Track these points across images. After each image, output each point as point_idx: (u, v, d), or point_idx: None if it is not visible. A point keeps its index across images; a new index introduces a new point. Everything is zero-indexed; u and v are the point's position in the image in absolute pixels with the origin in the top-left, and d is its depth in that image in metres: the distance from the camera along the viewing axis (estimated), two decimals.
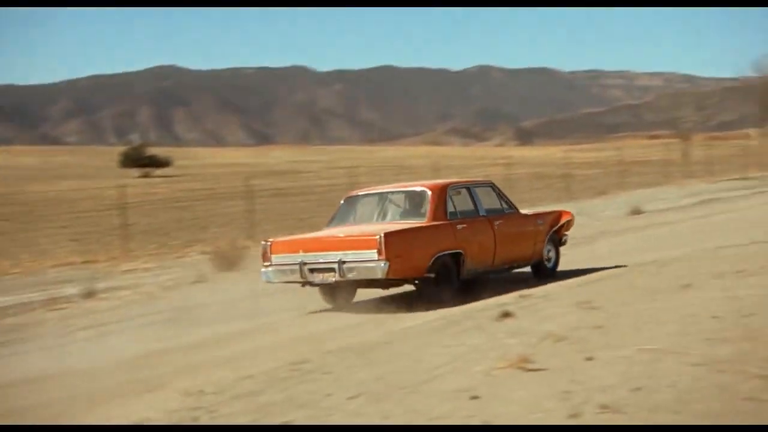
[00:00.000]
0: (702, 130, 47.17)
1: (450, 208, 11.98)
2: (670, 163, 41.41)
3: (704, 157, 43.03)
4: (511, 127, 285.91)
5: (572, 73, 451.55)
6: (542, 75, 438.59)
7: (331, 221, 12.99)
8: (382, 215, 12.55)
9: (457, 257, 11.65)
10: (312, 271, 11.31)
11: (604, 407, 4.64)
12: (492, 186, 13.49)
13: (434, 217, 11.72)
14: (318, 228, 13.77)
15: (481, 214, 12.49)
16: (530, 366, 5.85)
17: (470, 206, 12.44)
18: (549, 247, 13.67)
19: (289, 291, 12.50)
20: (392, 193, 13.08)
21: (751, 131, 50.39)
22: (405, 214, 12.34)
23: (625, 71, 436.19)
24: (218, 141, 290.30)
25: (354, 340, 8.64)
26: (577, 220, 20.57)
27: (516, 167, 39.23)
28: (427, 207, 11.86)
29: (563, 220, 14.18)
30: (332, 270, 11.03)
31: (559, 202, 29.48)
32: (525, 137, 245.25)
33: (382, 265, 10.62)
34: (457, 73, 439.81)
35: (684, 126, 41.11)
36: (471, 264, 11.88)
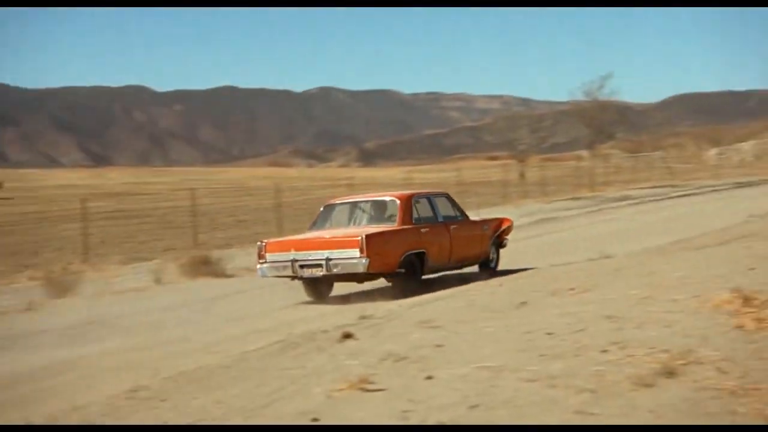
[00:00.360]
0: (537, 151, 48.93)
1: (414, 215, 14.19)
2: (508, 184, 42.64)
3: (540, 177, 44.56)
4: (354, 148, 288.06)
5: (413, 95, 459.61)
6: (384, 97, 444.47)
7: (313, 225, 15.07)
8: (358, 220, 14.70)
9: (421, 256, 13.78)
10: (302, 267, 13.19)
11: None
12: (447, 196, 15.86)
13: (402, 222, 13.89)
14: (160, 251, 13.86)
15: (439, 219, 14.80)
16: (370, 387, 5.87)
17: (430, 213, 14.66)
18: (493, 248, 16.14)
19: (126, 317, 12.20)
20: (365, 201, 15.28)
21: (583, 153, 52.52)
22: (377, 220, 14.43)
23: (463, 94, 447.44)
24: (53, 162, 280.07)
25: (192, 365, 8.48)
26: None
27: (359, 188, 39.51)
28: (397, 213, 14.01)
29: (504, 226, 16.68)
30: (320, 266, 12.99)
31: None
32: (368, 158, 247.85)
33: (364, 261, 12.63)
34: (299, 94, 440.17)
35: (520, 147, 42.46)
36: (432, 262, 14.07)
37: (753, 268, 9.73)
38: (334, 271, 12.97)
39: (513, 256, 17.44)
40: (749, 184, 47.10)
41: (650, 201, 34.35)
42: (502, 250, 16.91)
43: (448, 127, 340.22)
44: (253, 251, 15.22)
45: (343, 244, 13.04)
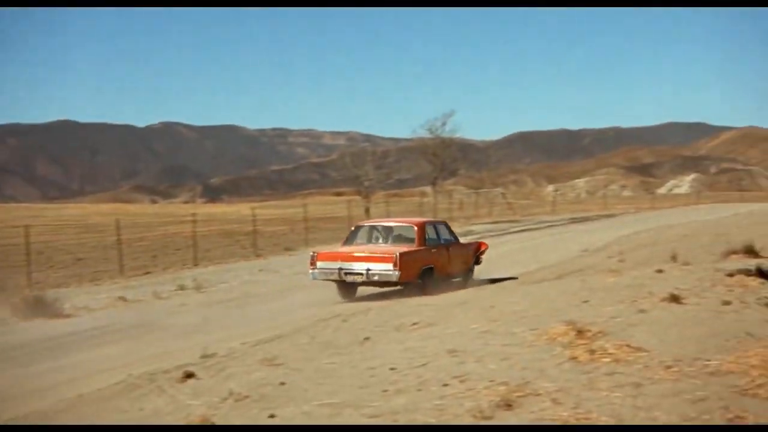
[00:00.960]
0: (382, 187, 49.45)
1: (426, 238, 17.87)
2: (354, 219, 42.81)
3: (385, 213, 45.03)
4: (199, 184, 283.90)
5: (259, 130, 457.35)
6: (230, 132, 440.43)
7: (347, 241, 18.63)
8: (384, 240, 18.24)
9: (431, 270, 17.31)
10: (346, 274, 16.84)
11: None
12: (445, 224, 20.20)
13: (419, 243, 17.58)
14: None
15: (441, 242, 18.46)
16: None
17: (435, 237, 18.35)
18: (473, 264, 19.75)
19: None
20: (389, 225, 19.11)
21: (427, 189, 53.52)
22: (400, 240, 17.96)
23: (311, 130, 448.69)
24: None
25: (31, 409, 8.10)
26: (264, 277, 20.76)
27: (203, 224, 38.90)
28: (415, 237, 17.75)
29: (482, 248, 20.37)
30: (360, 274, 16.66)
31: (246, 259, 29.55)
32: (213, 194, 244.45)
33: (397, 273, 16.22)
34: (142, 129, 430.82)
35: (365, 183, 42.83)
36: (437, 274, 17.50)
37: (586, 301, 10.11)
38: (373, 279, 16.63)
39: (362, 290, 17.57)
40: (583, 220, 49.04)
41: (492, 236, 35.22)
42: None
43: (294, 163, 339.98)
44: (94, 290, 14.91)
45: (380, 259, 16.62)
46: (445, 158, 49.48)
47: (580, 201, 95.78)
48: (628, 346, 7.41)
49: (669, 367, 6.77)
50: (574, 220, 48.55)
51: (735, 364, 6.78)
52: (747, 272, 11.47)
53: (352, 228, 19.84)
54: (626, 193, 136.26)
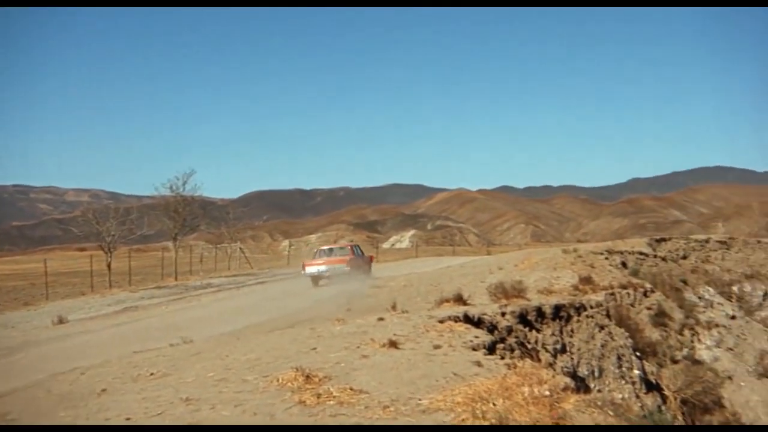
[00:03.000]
0: (125, 242, 47.78)
1: (354, 252, 32.87)
2: (97, 274, 41.06)
3: (127, 268, 43.50)
4: None
5: (0, 187, 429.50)
6: None
7: (315, 257, 32.79)
8: (336, 254, 32.55)
9: (357, 267, 31.17)
10: (321, 272, 30.92)
11: None
12: (359, 246, 36.45)
13: (353, 254, 32.32)
14: None
15: (359, 254, 33.39)
16: None
17: (358, 252, 33.54)
18: (370, 267, 34.29)
19: None
20: (336, 248, 35.22)
21: (169, 244, 52.30)
22: (343, 253, 32.50)
23: (53, 187, 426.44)
24: None
25: None
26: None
27: None
28: (350, 251, 32.78)
29: (372, 259, 36.38)
30: (330, 272, 30.49)
31: None
32: None
33: (348, 268, 30.38)
34: None
35: (108, 239, 41.14)
36: (359, 269, 31.10)
37: (314, 348, 10.21)
38: (337, 273, 30.25)
39: (96, 345, 16.76)
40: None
41: (230, 288, 34.86)
42: None
43: (36, 219, 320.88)
44: None
45: (340, 262, 31.03)
46: (186, 215, 48.63)
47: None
48: (351, 389, 7.55)
49: (386, 407, 6.96)
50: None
51: (443, 401, 7.08)
52: (456, 318, 12.09)
53: (315, 251, 36.24)
54: None
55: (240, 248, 64.25)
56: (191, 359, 10.80)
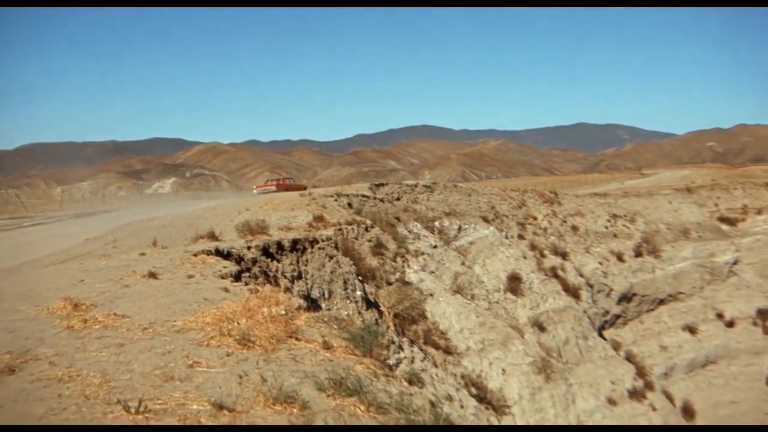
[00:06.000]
0: None
1: (286, 180, 47.76)
2: None
3: None
4: None
5: None
6: None
7: (265, 182, 45.95)
8: (273, 180, 46.41)
9: (285, 188, 41.98)
10: (265, 191, 39.97)
11: None
12: (292, 178, 63.91)
13: (284, 181, 45.15)
14: None
15: (289, 181, 46.71)
16: None
17: (290, 179, 49.97)
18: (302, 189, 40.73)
19: None
20: (274, 178, 54.56)
21: None
22: (277, 181, 45.17)
23: None
24: None
25: None
26: None
27: None
28: (281, 180, 45.46)
29: (305, 185, 46.65)
30: (270, 190, 40.42)
31: None
32: None
33: (275, 190, 40.13)
34: None
35: None
36: (284, 190, 40.90)
37: (83, 281, 9.73)
38: (271, 191, 39.08)
39: None
40: (88, 215, 46.81)
41: (5, 230, 31.98)
42: None
43: None
44: None
45: (269, 185, 42.12)
46: None
47: (85, 200, 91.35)
48: (114, 314, 7.31)
49: (146, 328, 6.83)
50: (79, 215, 46.04)
51: (194, 322, 7.06)
52: (208, 252, 11.97)
53: (266, 181, 47.82)
54: (122, 193, 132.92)
55: (16, 194, 59.09)
56: None
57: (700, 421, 33.17)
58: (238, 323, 7.03)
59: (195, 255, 11.43)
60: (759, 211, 50.67)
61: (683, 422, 29.29)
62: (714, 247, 42.59)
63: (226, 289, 8.86)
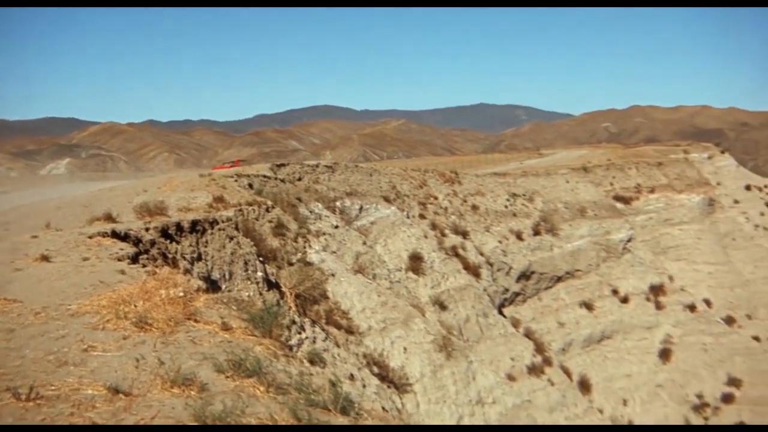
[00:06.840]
0: None
1: (239, 163, 53.10)
2: None
3: None
4: None
5: None
6: None
7: (221, 164, 53.47)
8: (227, 163, 54.43)
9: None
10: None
11: None
12: (243, 160, 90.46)
13: (237, 163, 50.79)
14: None
15: (235, 160, 66.19)
16: None
17: (241, 159, 78.99)
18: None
19: None
20: (229, 161, 62.69)
21: None
22: (231, 164, 51.60)
23: None
24: None
25: None
26: None
27: None
28: (235, 163, 52.62)
29: (240, 161, 61.10)
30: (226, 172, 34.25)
31: None
32: None
33: (233, 170, 34.23)
34: None
35: None
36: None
37: None
38: (231, 173, 29.84)
39: None
40: None
41: None
42: None
43: None
44: None
45: (226, 167, 42.85)
46: None
47: None
48: (5, 299, 6.92)
49: (38, 313, 6.50)
50: None
51: (90, 306, 6.77)
52: (104, 234, 11.50)
53: (225, 162, 56.24)
54: (14, 174, 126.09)
55: None
56: None
57: (595, 394, 34.58)
58: (135, 306, 6.79)
59: (90, 237, 10.95)
60: (652, 190, 53.04)
61: (579, 396, 30.21)
62: (609, 225, 44.26)
63: (122, 272, 8.54)
